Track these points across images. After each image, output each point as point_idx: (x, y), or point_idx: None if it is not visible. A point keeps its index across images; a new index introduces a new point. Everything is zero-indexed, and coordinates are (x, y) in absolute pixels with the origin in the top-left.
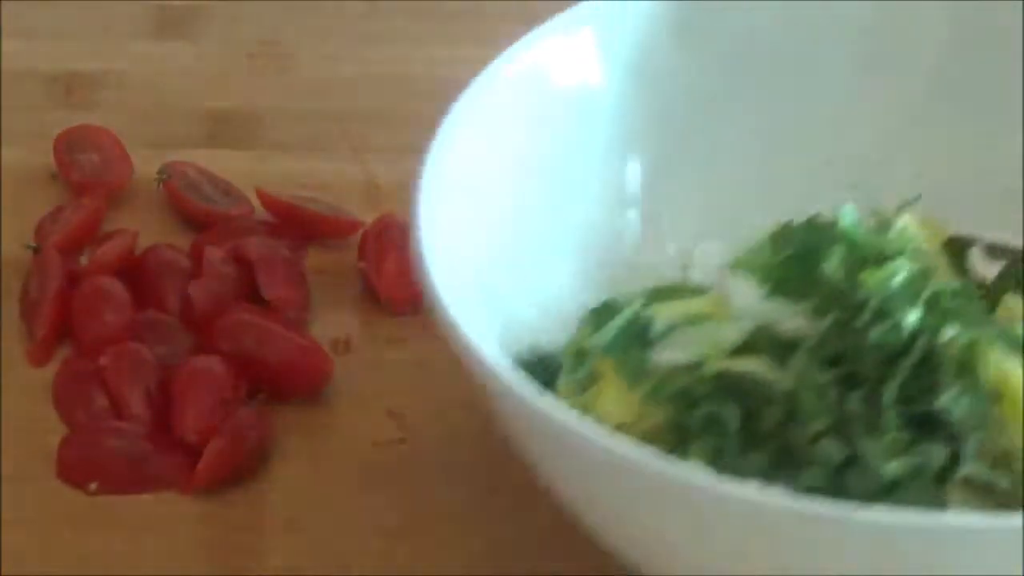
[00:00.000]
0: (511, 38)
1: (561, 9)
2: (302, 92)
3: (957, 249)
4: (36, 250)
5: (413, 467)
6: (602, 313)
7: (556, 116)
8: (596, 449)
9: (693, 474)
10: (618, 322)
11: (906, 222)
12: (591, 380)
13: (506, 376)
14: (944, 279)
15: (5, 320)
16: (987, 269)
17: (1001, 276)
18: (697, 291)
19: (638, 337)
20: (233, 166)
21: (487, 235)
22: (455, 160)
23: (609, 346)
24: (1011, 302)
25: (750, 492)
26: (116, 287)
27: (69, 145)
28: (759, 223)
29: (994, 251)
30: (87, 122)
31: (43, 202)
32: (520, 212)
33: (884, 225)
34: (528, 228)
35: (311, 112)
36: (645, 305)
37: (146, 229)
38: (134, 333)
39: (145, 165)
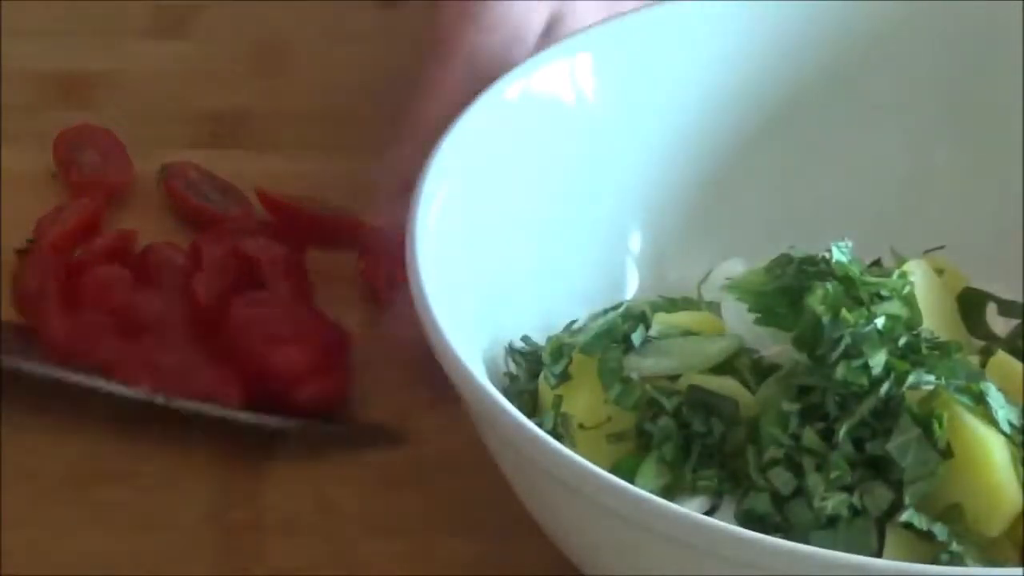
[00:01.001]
0: None
1: None
2: (302, 92)
3: (972, 301)
4: (31, 245)
5: (413, 467)
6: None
7: (558, 139)
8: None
9: (619, 488)
10: (600, 324)
11: (914, 267)
12: (566, 376)
13: (468, 372)
14: (946, 329)
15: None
16: (1000, 326)
17: (1010, 336)
18: (701, 307)
19: (619, 341)
20: (233, 166)
21: (485, 249)
22: (453, 178)
23: (588, 345)
24: (1004, 361)
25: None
26: (123, 273)
27: (69, 145)
28: (783, 245)
29: (1007, 309)
30: (87, 122)
31: (43, 202)
32: (520, 233)
33: (896, 265)
34: (528, 248)
35: (311, 112)
36: (647, 313)
37: (146, 229)
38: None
39: (145, 165)
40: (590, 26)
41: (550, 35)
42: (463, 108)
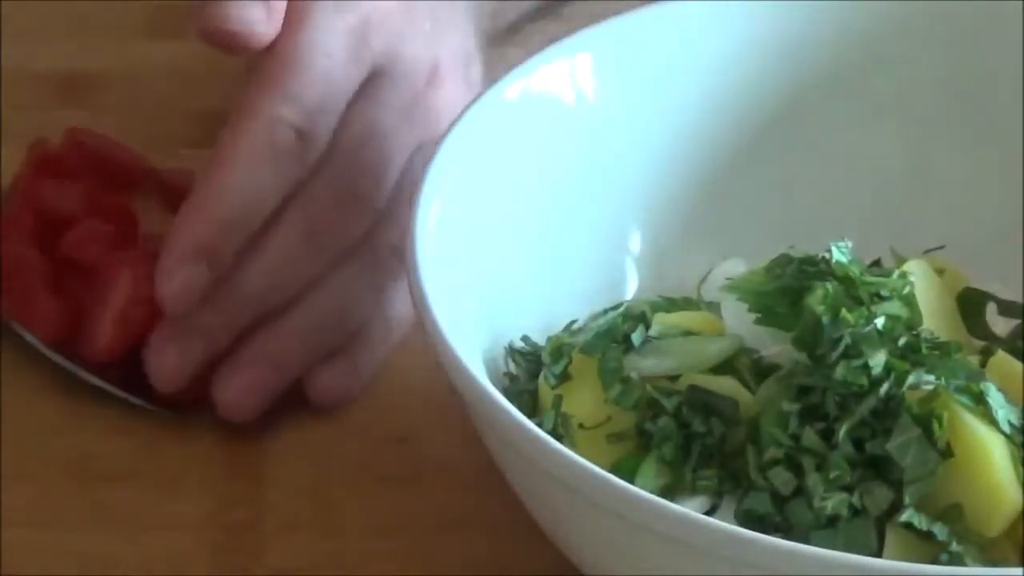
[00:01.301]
0: (510, 38)
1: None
2: None
3: (972, 301)
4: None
5: (413, 467)
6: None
7: (558, 139)
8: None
9: (618, 487)
10: (600, 323)
11: (914, 267)
12: (566, 376)
13: (465, 368)
14: (946, 329)
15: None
16: (1000, 326)
17: (1010, 336)
18: (701, 307)
19: (619, 341)
20: None
21: (485, 249)
22: (453, 178)
23: (587, 345)
24: (1004, 360)
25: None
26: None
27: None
28: (783, 245)
29: (1007, 309)
30: (87, 122)
31: None
32: (520, 233)
33: (896, 265)
34: (528, 248)
35: None
36: (647, 313)
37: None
38: None
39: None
40: (589, 27)
41: (368, 89)
42: (258, 181)
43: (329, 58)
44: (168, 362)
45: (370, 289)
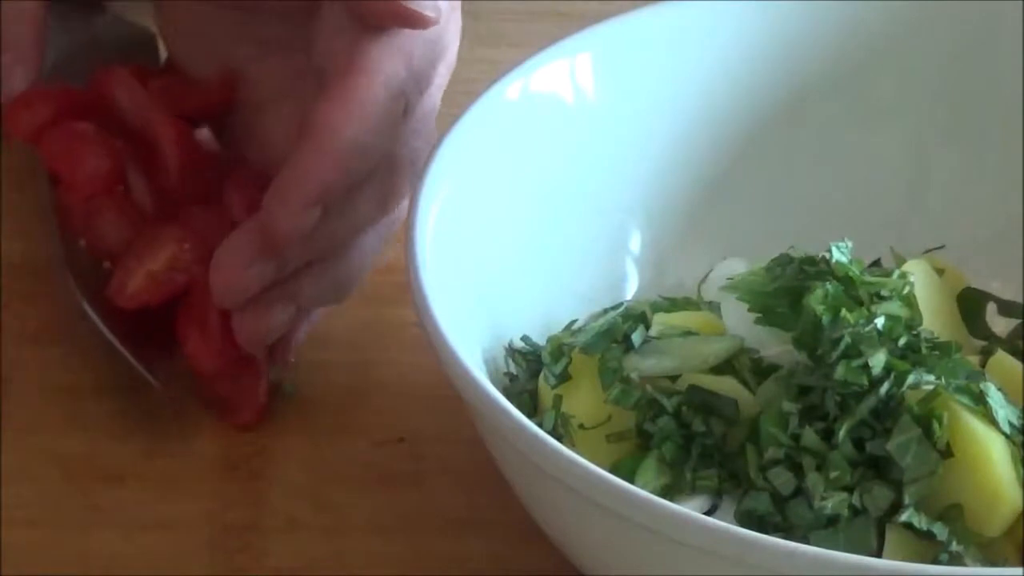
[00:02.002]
0: (509, 37)
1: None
2: None
3: (972, 301)
4: None
5: (413, 467)
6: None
7: (558, 139)
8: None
9: (615, 486)
10: (600, 323)
11: (914, 267)
12: (566, 376)
13: (469, 373)
14: (946, 329)
15: (5, 324)
16: (1000, 326)
17: (1010, 336)
18: (701, 307)
19: (619, 341)
20: None
21: (485, 249)
22: (453, 178)
23: (588, 345)
24: (1004, 360)
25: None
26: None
27: None
28: (783, 245)
29: (1007, 309)
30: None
31: None
32: (520, 234)
33: (896, 265)
34: (529, 248)
35: None
36: (647, 313)
37: None
38: None
39: None
40: (589, 27)
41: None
42: (376, 142)
43: (443, 38)
44: (245, 272)
45: (374, 257)
